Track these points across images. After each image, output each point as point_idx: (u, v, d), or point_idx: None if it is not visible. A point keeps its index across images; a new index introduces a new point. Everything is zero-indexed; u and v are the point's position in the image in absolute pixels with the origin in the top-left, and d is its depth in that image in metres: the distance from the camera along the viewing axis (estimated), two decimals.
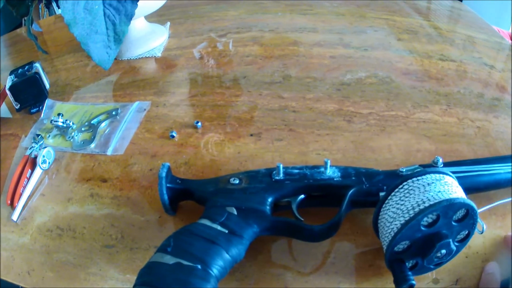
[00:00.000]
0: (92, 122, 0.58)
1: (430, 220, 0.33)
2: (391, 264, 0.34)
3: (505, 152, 0.48)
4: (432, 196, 0.33)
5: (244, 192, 0.39)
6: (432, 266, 0.35)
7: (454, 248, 0.34)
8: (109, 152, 0.54)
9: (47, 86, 0.65)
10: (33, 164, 0.52)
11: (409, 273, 0.33)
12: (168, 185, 0.42)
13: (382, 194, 0.38)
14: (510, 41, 0.76)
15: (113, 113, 0.59)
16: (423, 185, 0.34)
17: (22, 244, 0.44)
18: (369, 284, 0.37)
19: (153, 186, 0.48)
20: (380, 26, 0.76)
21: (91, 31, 0.56)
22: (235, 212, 0.38)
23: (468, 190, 0.37)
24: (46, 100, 0.64)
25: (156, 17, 0.86)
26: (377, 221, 0.36)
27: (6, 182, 0.51)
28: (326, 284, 0.37)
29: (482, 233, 0.36)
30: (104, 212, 0.46)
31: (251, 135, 0.54)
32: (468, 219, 0.33)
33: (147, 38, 0.76)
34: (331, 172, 0.40)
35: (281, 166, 0.40)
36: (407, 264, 0.34)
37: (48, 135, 0.57)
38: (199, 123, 0.56)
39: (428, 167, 0.38)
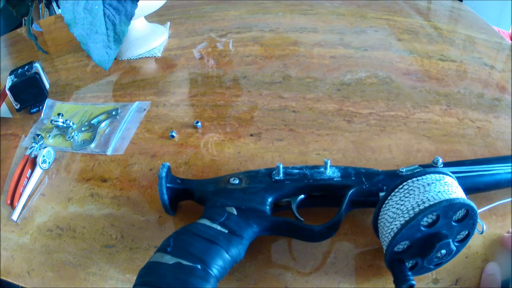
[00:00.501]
0: (92, 122, 0.58)
1: (430, 220, 0.33)
2: (391, 264, 0.34)
3: (505, 152, 0.48)
4: (432, 196, 0.33)
5: (244, 192, 0.39)
6: (432, 266, 0.35)
7: (454, 248, 0.34)
8: (109, 152, 0.54)
9: (47, 86, 0.65)
10: (33, 164, 0.52)
11: (409, 273, 0.33)
12: (168, 185, 0.42)
13: (382, 194, 0.38)
14: (510, 41, 0.76)
15: (113, 113, 0.59)
16: (423, 185, 0.34)
17: (22, 244, 0.44)
18: (369, 284, 0.37)
19: (153, 186, 0.48)
20: (380, 26, 0.76)
21: (91, 31, 0.56)
22: (235, 212, 0.38)
23: (468, 190, 0.37)
24: (46, 100, 0.64)
25: (156, 17, 0.86)
26: (377, 221, 0.36)
27: (6, 182, 0.51)
28: (326, 284, 0.37)
29: (482, 233, 0.36)
30: (104, 212, 0.46)
31: (251, 135, 0.54)
32: (468, 219, 0.33)
33: (147, 38, 0.76)
34: (331, 172, 0.40)
35: (281, 166, 0.40)
36: (407, 264, 0.34)
37: (48, 135, 0.57)
38: (199, 123, 0.56)
39: (428, 167, 0.38)
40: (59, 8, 0.62)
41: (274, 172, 0.41)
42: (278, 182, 0.40)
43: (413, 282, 0.32)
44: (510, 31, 1.18)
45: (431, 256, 0.33)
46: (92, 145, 0.55)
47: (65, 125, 0.57)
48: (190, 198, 0.43)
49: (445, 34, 0.74)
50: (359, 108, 0.56)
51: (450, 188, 0.34)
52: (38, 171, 0.51)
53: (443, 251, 0.33)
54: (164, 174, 0.41)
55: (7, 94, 0.61)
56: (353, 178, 0.40)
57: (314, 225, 0.37)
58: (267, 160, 0.50)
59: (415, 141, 0.50)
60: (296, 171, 0.41)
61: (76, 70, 0.74)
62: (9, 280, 0.41)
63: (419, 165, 0.40)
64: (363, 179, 0.40)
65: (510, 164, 0.41)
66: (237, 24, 0.81)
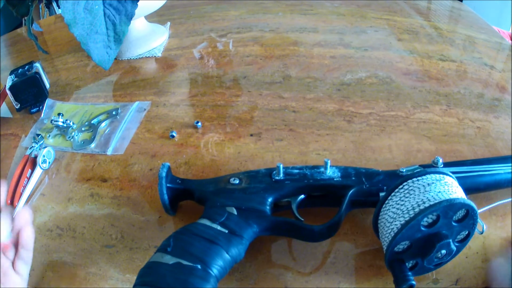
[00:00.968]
0: (92, 122, 0.58)
1: (430, 221, 0.33)
2: (391, 264, 0.34)
3: (506, 152, 0.48)
4: (432, 196, 0.33)
5: (244, 192, 0.39)
6: (432, 266, 0.35)
7: (454, 248, 0.34)
8: (109, 152, 0.54)
9: (47, 86, 0.65)
10: (33, 164, 0.52)
11: (409, 273, 0.33)
12: (168, 185, 0.42)
13: (382, 194, 0.38)
14: (510, 41, 0.76)
15: (113, 113, 0.59)
16: (423, 186, 0.34)
17: None
18: (369, 284, 0.37)
19: (153, 186, 0.48)
20: (380, 26, 0.76)
21: (91, 31, 0.55)
22: (235, 212, 0.38)
23: (468, 190, 0.37)
24: (46, 100, 0.64)
25: (156, 17, 0.86)
26: (377, 221, 0.36)
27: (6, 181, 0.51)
28: (326, 284, 0.37)
29: (482, 233, 0.36)
30: (104, 212, 0.46)
31: (251, 135, 0.54)
32: (468, 219, 0.33)
33: (147, 38, 0.76)
34: (331, 172, 0.40)
35: (281, 166, 0.40)
36: (407, 264, 0.34)
37: (48, 135, 0.57)
38: (199, 123, 0.56)
39: (428, 167, 0.38)
40: (59, 8, 0.62)
41: (274, 172, 0.41)
42: (278, 182, 0.40)
43: (413, 282, 0.32)
44: (510, 31, 1.18)
45: (431, 256, 0.33)
46: (92, 145, 0.55)
47: (65, 125, 0.57)
48: (190, 198, 0.43)
49: (445, 34, 0.74)
50: (359, 108, 0.56)
51: (450, 188, 0.34)
52: (38, 171, 0.51)
53: (443, 251, 0.33)
54: (164, 174, 0.41)
55: (7, 94, 0.61)
56: (353, 178, 0.40)
57: (314, 225, 0.37)
58: (267, 160, 0.50)
59: (415, 141, 0.50)
60: (296, 171, 0.41)
61: (76, 70, 0.74)
62: None
63: (419, 165, 0.40)
64: (363, 179, 0.40)
65: (510, 164, 0.41)
66: (237, 24, 0.81)
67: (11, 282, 0.36)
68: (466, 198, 0.33)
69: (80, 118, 0.60)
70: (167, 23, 0.84)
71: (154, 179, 0.49)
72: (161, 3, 0.73)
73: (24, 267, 0.38)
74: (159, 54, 0.74)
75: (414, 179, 0.34)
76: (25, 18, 0.68)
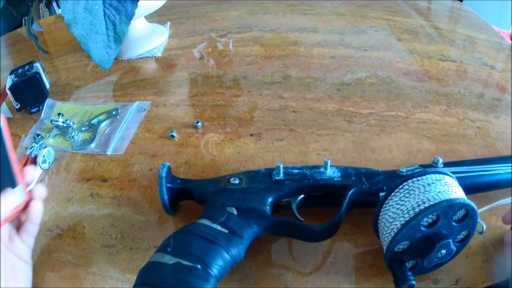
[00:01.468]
0: (92, 122, 0.58)
1: (430, 221, 0.33)
2: (391, 264, 0.34)
3: (506, 152, 0.48)
4: (432, 196, 0.33)
5: (244, 192, 0.39)
6: (432, 266, 0.35)
7: (454, 248, 0.34)
8: (109, 152, 0.54)
9: (47, 86, 0.65)
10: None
11: (409, 273, 0.33)
12: (168, 185, 0.42)
13: (382, 194, 0.38)
14: (510, 41, 0.76)
15: (113, 113, 0.59)
16: (423, 186, 0.34)
17: None
18: (369, 284, 0.37)
19: (153, 186, 0.48)
20: (380, 26, 0.76)
21: (91, 31, 0.56)
22: (235, 212, 0.38)
23: (468, 190, 0.37)
24: (46, 100, 0.64)
25: (156, 17, 0.86)
26: (377, 221, 0.36)
27: None
28: (326, 284, 0.37)
29: (482, 233, 0.36)
30: (104, 212, 0.46)
31: (251, 135, 0.54)
32: (468, 219, 0.33)
33: (147, 38, 0.76)
34: (331, 172, 0.40)
35: (281, 166, 0.40)
36: (407, 264, 0.34)
37: (48, 135, 0.57)
38: (199, 123, 0.56)
39: (428, 168, 0.38)
40: (59, 8, 0.62)
41: (274, 172, 0.41)
42: (278, 182, 0.40)
43: (413, 282, 0.32)
44: (510, 31, 1.18)
45: (431, 256, 0.33)
46: (92, 145, 0.55)
47: (65, 125, 0.57)
48: (190, 198, 0.43)
49: (445, 34, 0.74)
50: (359, 108, 0.56)
51: (450, 188, 0.34)
52: (38, 171, 0.51)
53: (443, 251, 0.33)
54: (164, 174, 0.41)
55: (7, 94, 0.61)
56: (353, 178, 0.40)
57: (314, 225, 0.37)
58: (267, 160, 0.50)
59: (415, 141, 0.50)
60: (296, 171, 0.41)
61: (76, 70, 0.74)
62: None
63: (419, 165, 0.40)
64: (363, 179, 0.40)
65: (510, 164, 0.41)
66: (237, 24, 0.81)
67: (17, 249, 0.38)
68: (466, 198, 0.33)
69: (80, 118, 0.60)
70: (167, 23, 0.84)
71: (154, 179, 0.49)
72: (161, 3, 0.73)
73: (30, 239, 0.39)
74: (159, 54, 0.74)
75: (414, 179, 0.34)
76: (25, 18, 0.68)
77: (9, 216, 0.37)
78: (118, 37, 0.58)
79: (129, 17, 0.57)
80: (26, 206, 0.38)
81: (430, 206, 0.32)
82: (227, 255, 0.34)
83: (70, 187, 0.50)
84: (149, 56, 0.74)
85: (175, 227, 0.43)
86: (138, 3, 0.58)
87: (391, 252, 0.33)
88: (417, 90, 0.59)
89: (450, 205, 0.32)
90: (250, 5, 0.89)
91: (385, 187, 0.39)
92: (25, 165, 0.51)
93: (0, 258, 0.35)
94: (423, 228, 0.32)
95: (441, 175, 0.35)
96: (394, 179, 0.39)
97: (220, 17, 0.85)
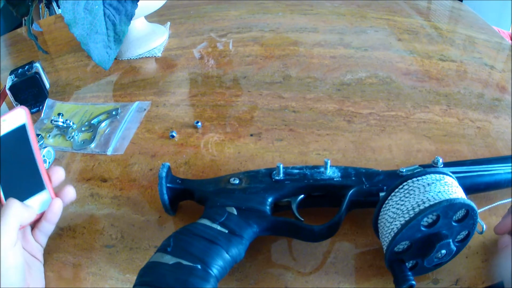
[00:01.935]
0: (92, 122, 0.58)
1: (430, 221, 0.33)
2: (391, 264, 0.34)
3: (506, 152, 0.48)
4: (432, 196, 0.33)
5: (244, 192, 0.39)
6: (432, 266, 0.35)
7: (454, 248, 0.34)
8: (109, 152, 0.54)
9: (47, 86, 0.65)
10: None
11: (409, 273, 0.33)
12: (168, 185, 0.42)
13: (382, 194, 0.38)
14: (510, 41, 0.76)
15: (113, 113, 0.59)
16: (423, 186, 0.34)
17: None
18: (369, 284, 0.37)
19: (153, 186, 0.48)
20: (380, 26, 0.76)
21: (91, 31, 0.56)
22: (235, 212, 0.38)
23: (468, 190, 0.37)
24: (46, 100, 0.64)
25: (156, 17, 0.86)
26: (377, 221, 0.36)
27: None
28: (326, 284, 0.37)
29: (482, 233, 0.36)
30: (104, 212, 0.46)
31: (251, 135, 0.54)
32: (468, 219, 0.33)
33: (147, 38, 0.76)
34: (331, 172, 0.40)
35: (281, 166, 0.40)
36: (407, 264, 0.34)
37: (48, 135, 0.57)
38: (199, 123, 0.56)
39: (428, 167, 0.38)
40: (59, 8, 0.62)
41: (274, 172, 0.41)
42: (278, 182, 0.40)
43: (413, 282, 0.32)
44: (510, 31, 1.18)
45: (431, 256, 0.33)
46: (92, 145, 0.55)
47: (65, 125, 0.57)
48: (190, 198, 0.43)
49: (445, 34, 0.74)
50: (359, 108, 0.56)
51: (450, 188, 0.34)
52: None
53: (443, 251, 0.33)
54: (164, 174, 0.41)
55: (7, 94, 0.61)
56: (353, 178, 0.40)
57: (314, 225, 0.37)
58: (267, 160, 0.50)
59: (415, 141, 0.50)
60: (296, 171, 0.41)
61: (76, 70, 0.74)
62: None
63: (419, 165, 0.40)
64: (363, 179, 0.40)
65: (510, 164, 0.41)
66: (237, 24, 0.81)
67: (31, 247, 0.38)
68: (466, 198, 0.33)
69: (80, 118, 0.60)
70: (167, 23, 0.84)
71: (154, 179, 0.49)
72: (161, 3, 0.73)
73: (44, 238, 0.40)
74: (159, 54, 0.74)
75: (414, 179, 0.34)
76: (25, 18, 0.68)
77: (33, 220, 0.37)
78: (118, 37, 0.58)
79: (129, 17, 0.57)
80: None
81: (430, 206, 0.32)
82: (227, 255, 0.34)
83: None
84: (149, 56, 0.74)
85: (175, 227, 0.43)
86: (138, 3, 0.58)
87: (391, 252, 0.33)
88: (417, 90, 0.59)
89: (450, 205, 0.32)
90: (250, 5, 0.89)
91: (385, 187, 0.39)
92: None
93: (16, 257, 0.35)
94: (423, 228, 0.32)
95: (441, 175, 0.35)
96: (394, 179, 0.39)
97: (220, 17, 0.85)
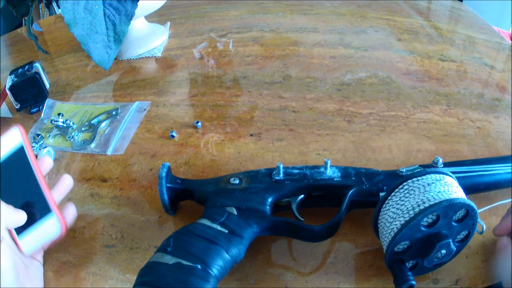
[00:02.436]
0: (92, 122, 0.58)
1: (430, 221, 0.33)
2: (391, 264, 0.34)
3: (506, 152, 0.48)
4: (432, 196, 0.33)
5: (244, 192, 0.39)
6: (432, 266, 0.35)
7: (454, 248, 0.34)
8: (109, 152, 0.54)
9: (47, 86, 0.65)
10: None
11: (409, 273, 0.33)
12: (168, 185, 0.42)
13: (382, 194, 0.38)
14: (510, 41, 0.76)
15: (113, 113, 0.59)
16: (423, 186, 0.34)
17: None
18: (369, 284, 0.37)
19: (153, 186, 0.48)
20: (380, 26, 0.76)
21: (91, 31, 0.56)
22: (235, 212, 0.38)
23: (468, 190, 0.37)
24: (46, 100, 0.64)
25: (156, 17, 0.86)
26: (377, 221, 0.36)
27: None
28: (326, 284, 0.37)
29: (482, 233, 0.36)
30: (104, 212, 0.46)
31: (251, 135, 0.54)
32: (468, 219, 0.33)
33: (147, 38, 0.76)
34: (331, 172, 0.40)
35: (281, 166, 0.40)
36: (407, 264, 0.34)
37: (48, 135, 0.57)
38: (199, 123, 0.56)
39: (428, 167, 0.38)
40: (59, 8, 0.62)
41: (274, 172, 0.41)
42: (278, 182, 0.40)
43: (413, 282, 0.32)
44: (510, 31, 1.18)
45: (431, 256, 0.33)
46: (92, 145, 0.55)
47: (65, 125, 0.57)
48: (190, 198, 0.43)
49: (445, 34, 0.74)
50: (359, 108, 0.56)
51: (450, 188, 0.34)
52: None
53: (443, 251, 0.33)
54: (164, 174, 0.41)
55: (7, 94, 0.61)
56: (353, 178, 0.40)
57: (314, 225, 0.37)
58: (267, 160, 0.50)
59: (415, 141, 0.50)
60: (296, 171, 0.41)
61: (76, 70, 0.74)
62: None
63: (419, 165, 0.40)
64: (363, 179, 0.40)
65: (510, 164, 0.41)
66: (237, 24, 0.82)
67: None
68: (466, 198, 0.33)
69: (80, 118, 0.60)
70: (167, 23, 0.84)
71: (154, 179, 0.49)
72: (161, 3, 0.73)
73: None
74: (159, 54, 0.74)
75: (414, 179, 0.34)
76: (25, 18, 0.68)
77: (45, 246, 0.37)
78: (118, 37, 0.58)
79: (129, 17, 0.57)
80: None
81: (430, 206, 0.32)
82: (227, 255, 0.34)
83: None
84: (149, 56, 0.74)
85: (175, 227, 0.43)
86: (138, 3, 0.58)
87: (391, 252, 0.33)
88: (417, 90, 0.59)
89: (450, 205, 0.32)
90: (250, 5, 0.89)
91: (385, 187, 0.39)
92: None
93: (14, 258, 0.35)
94: (423, 228, 0.32)
95: (441, 175, 0.35)
96: (394, 179, 0.39)
97: (220, 17, 0.85)
